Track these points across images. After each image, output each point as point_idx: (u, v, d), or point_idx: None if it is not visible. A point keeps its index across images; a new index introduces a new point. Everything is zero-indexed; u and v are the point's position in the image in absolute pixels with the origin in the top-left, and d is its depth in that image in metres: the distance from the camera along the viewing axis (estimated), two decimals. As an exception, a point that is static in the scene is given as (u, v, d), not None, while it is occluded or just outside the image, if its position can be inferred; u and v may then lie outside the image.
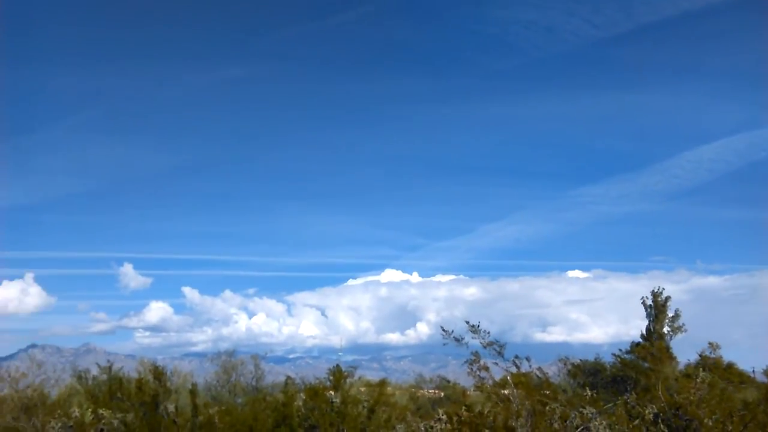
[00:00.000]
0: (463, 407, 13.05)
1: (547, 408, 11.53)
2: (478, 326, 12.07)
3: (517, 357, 11.66)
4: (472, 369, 11.65)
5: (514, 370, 11.68)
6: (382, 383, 14.42)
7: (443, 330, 12.11)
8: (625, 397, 12.19)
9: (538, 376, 11.51)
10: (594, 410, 11.73)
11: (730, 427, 9.98)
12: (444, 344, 12.34)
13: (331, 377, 15.03)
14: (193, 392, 16.88)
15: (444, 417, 13.65)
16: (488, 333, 11.96)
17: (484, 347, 12.09)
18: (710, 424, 9.91)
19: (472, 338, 12.04)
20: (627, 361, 33.50)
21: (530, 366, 11.62)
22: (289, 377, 16.20)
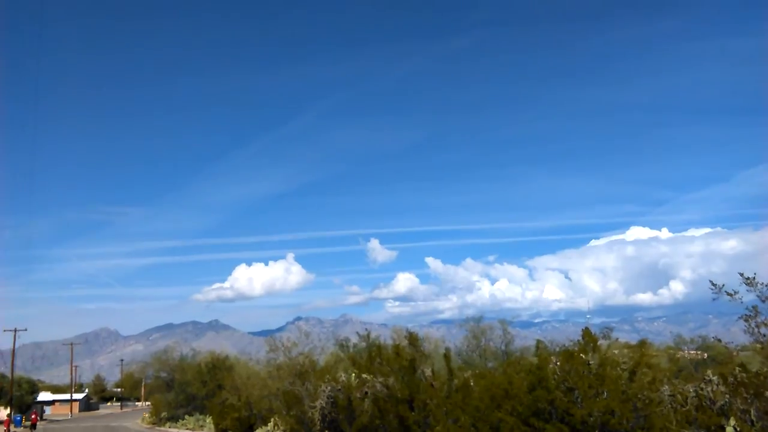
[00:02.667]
0: (737, 367, 11.88)
1: None
2: (755, 278, 10.82)
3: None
4: (749, 325, 10.49)
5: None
6: (643, 343, 13.57)
7: (712, 284, 11.04)
8: None
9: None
10: None
11: None
12: (713, 299, 11.24)
13: (583, 339, 14.50)
14: (447, 356, 17.35)
15: (715, 378, 12.56)
16: (766, 285, 10.66)
17: (763, 301, 10.82)
18: None
19: (747, 291, 10.83)
20: None
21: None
22: (539, 340, 15.96)
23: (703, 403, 12.76)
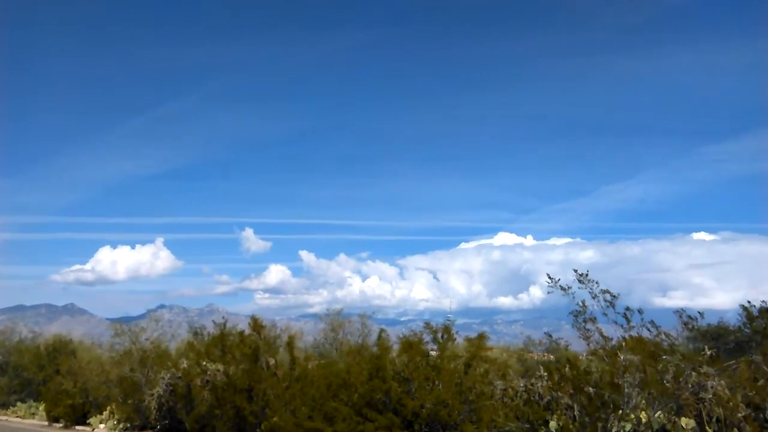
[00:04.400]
0: (566, 365, 12.21)
1: (659, 366, 10.49)
2: (587, 275, 11.10)
3: (628, 309, 10.63)
4: (577, 321, 10.75)
5: (623, 323, 10.67)
6: (480, 337, 13.73)
7: (549, 277, 11.23)
8: (750, 357, 10.96)
9: (648, 329, 10.44)
10: (713, 369, 10.59)
11: None
12: (568, 294, 11.40)
13: (429, 332, 14.50)
14: (290, 345, 16.87)
15: (545, 374, 12.87)
16: (597, 283, 10.97)
17: (593, 297, 11.12)
18: None
19: (579, 288, 11.10)
20: (757, 327, 31.09)
21: (642, 319, 10.56)
22: (382, 329, 15.81)
23: (531, 398, 13.05)
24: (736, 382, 11.03)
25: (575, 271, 11.06)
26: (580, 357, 17.04)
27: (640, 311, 10.50)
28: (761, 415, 10.52)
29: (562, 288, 10.92)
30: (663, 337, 10.35)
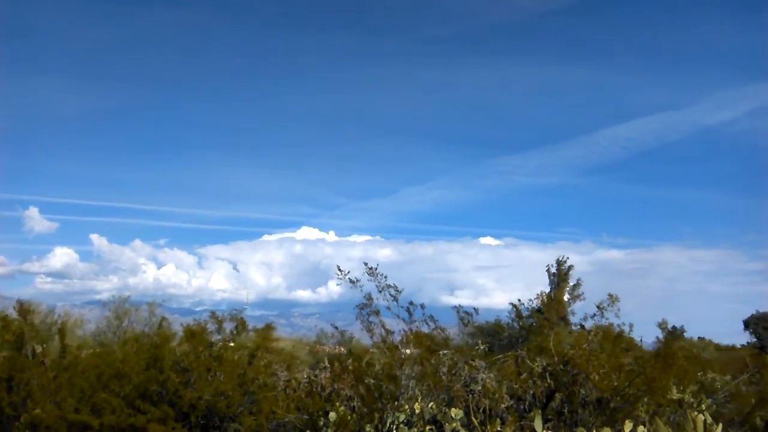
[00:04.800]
0: (349, 357, 12.36)
1: (435, 359, 10.94)
2: (376, 269, 11.24)
3: (411, 303, 10.95)
4: (361, 313, 10.86)
5: (406, 317, 10.97)
6: (267, 327, 13.50)
7: (339, 269, 11.22)
8: (516, 352, 11.78)
9: (427, 323, 10.84)
10: (484, 362, 11.25)
11: (616, 382, 9.64)
12: (356, 287, 11.40)
13: (215, 322, 14.00)
14: (62, 332, 15.47)
15: (328, 366, 12.94)
16: (385, 276, 11.16)
17: (380, 291, 11.30)
18: (596, 377, 9.53)
19: (368, 281, 11.22)
20: (525, 324, 34.05)
21: (423, 314, 10.92)
22: (164, 318, 15.02)
23: (314, 389, 13.04)
24: (503, 375, 11.78)
25: (365, 264, 11.20)
26: (371, 350, 17.44)
27: (422, 306, 10.87)
28: (521, 406, 11.33)
29: (350, 281, 10.98)
30: (439, 331, 10.77)
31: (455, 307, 11.06)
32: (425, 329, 10.87)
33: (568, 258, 43.35)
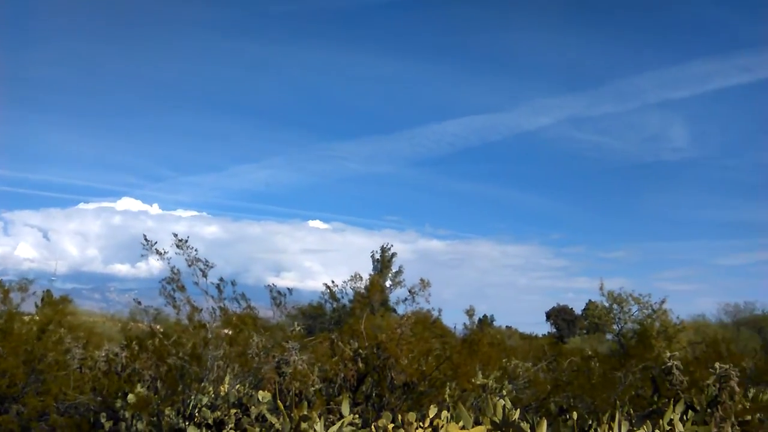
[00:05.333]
0: (157, 335, 11.55)
1: (245, 340, 10.48)
2: (186, 241, 10.50)
3: (221, 279, 10.36)
4: (165, 289, 10.11)
5: (215, 293, 10.38)
6: (63, 300, 12.29)
7: (145, 239, 10.35)
8: (330, 334, 11.63)
9: (238, 302, 10.33)
10: (296, 343, 10.95)
11: (425, 367, 9.74)
12: (163, 259, 10.56)
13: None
14: None
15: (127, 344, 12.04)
16: (196, 250, 10.46)
17: (189, 266, 10.59)
18: (405, 362, 9.58)
19: (176, 254, 10.46)
20: (338, 306, 34.43)
21: (234, 291, 10.39)
22: None
23: (112, 369, 12.09)
24: (316, 358, 11.56)
25: (174, 235, 10.46)
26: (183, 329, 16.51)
27: (233, 283, 10.34)
28: (331, 390, 11.20)
29: (157, 252, 10.20)
30: (250, 310, 10.33)
31: (268, 286, 10.64)
32: (236, 308, 10.35)
33: (392, 245, 44.35)
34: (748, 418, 9.18)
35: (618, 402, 9.23)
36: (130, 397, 11.41)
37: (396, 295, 36.59)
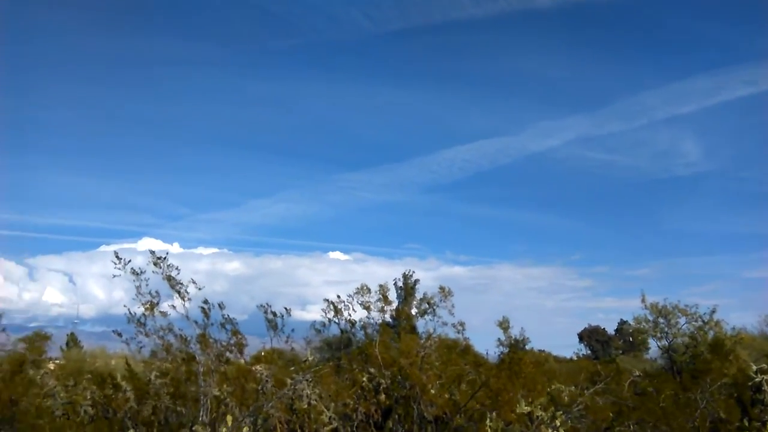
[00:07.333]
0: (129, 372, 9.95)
1: (241, 374, 8.80)
2: (165, 258, 8.99)
3: (206, 301, 8.77)
4: (141, 318, 8.52)
5: (200, 318, 8.76)
6: (37, 336, 10.76)
7: (116, 256, 8.85)
8: (338, 362, 9.97)
9: (225, 327, 8.68)
10: (302, 374, 9.29)
11: (457, 395, 7.96)
12: (140, 280, 9.11)
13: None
14: None
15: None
16: (177, 268, 8.91)
17: (172, 287, 9.05)
18: (433, 390, 7.80)
19: (153, 272, 8.98)
20: (369, 339, 32.56)
21: (224, 316, 8.76)
22: None
23: (99, 414, 10.48)
24: (323, 387, 9.91)
25: (152, 252, 8.95)
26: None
27: (220, 306, 8.74)
28: (349, 428, 9.47)
29: (133, 271, 8.67)
30: (238, 337, 8.68)
31: (261, 306, 8.98)
32: (222, 335, 8.73)
33: (413, 272, 42.87)
34: None
35: (699, 429, 7.38)
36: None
37: (422, 324, 34.58)
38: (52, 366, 12.36)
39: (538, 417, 8.46)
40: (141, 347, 9.41)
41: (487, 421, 8.40)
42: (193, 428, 8.53)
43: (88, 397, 11.09)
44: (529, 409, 10.10)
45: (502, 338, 18.10)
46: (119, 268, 8.71)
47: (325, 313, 10.95)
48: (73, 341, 35.99)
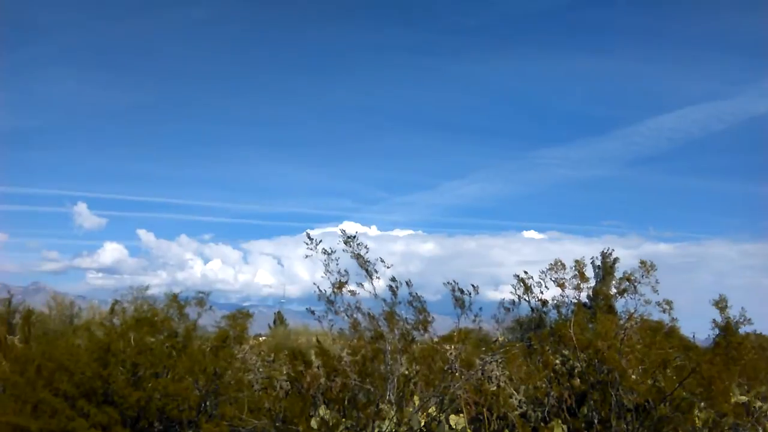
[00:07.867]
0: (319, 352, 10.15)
1: (428, 354, 8.61)
2: (355, 236, 9.17)
3: (393, 279, 8.68)
4: (331, 297, 8.64)
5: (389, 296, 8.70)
6: (240, 313, 11.33)
7: (308, 236, 9.13)
8: (525, 342, 9.45)
9: (413, 305, 8.52)
10: (491, 354, 8.94)
11: (662, 382, 7.16)
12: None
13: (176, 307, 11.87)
14: (26, 320, 13.66)
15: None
16: (366, 247, 9.03)
17: (361, 266, 9.15)
18: (634, 376, 7.07)
19: (343, 251, 9.18)
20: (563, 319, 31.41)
21: (411, 293, 8.61)
22: (116, 301, 12.97)
23: (295, 389, 10.88)
24: (509, 370, 9.47)
25: (342, 231, 9.14)
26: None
27: (408, 283, 8.63)
28: (539, 413, 8.96)
29: (325, 251, 8.94)
30: (425, 315, 8.45)
31: (448, 283, 8.66)
32: (410, 314, 8.57)
33: (613, 250, 40.78)
34: None
35: None
36: (313, 422, 10.09)
37: (622, 304, 32.68)
38: (253, 342, 13.07)
39: (757, 408, 7.42)
40: (332, 325, 9.58)
41: (695, 411, 7.50)
42: (380, 406, 8.51)
43: (284, 372, 11.59)
44: (745, 399, 8.96)
45: (718, 320, 16.34)
46: (311, 248, 9.01)
47: (515, 290, 10.41)
48: (279, 319, 38.56)
